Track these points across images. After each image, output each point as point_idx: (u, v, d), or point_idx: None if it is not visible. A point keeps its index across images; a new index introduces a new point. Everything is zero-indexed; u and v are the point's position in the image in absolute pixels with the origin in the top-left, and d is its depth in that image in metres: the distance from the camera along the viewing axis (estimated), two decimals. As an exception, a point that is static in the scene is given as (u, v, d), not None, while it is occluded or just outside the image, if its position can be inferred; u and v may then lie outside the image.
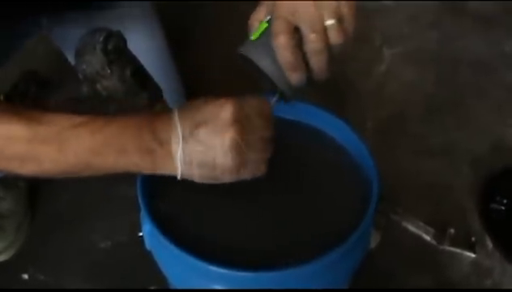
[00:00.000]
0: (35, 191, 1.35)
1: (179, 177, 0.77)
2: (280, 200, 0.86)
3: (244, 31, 0.83)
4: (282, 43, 0.76)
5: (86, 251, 1.27)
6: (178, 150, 0.74)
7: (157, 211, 0.82)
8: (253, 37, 0.80)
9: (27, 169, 0.76)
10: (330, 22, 0.75)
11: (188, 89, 1.27)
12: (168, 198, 0.85)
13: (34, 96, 1.24)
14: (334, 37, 0.76)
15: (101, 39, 0.77)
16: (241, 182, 0.78)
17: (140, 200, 0.82)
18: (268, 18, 0.80)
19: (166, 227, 0.79)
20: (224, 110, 0.74)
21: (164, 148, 0.74)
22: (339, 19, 0.75)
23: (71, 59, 1.15)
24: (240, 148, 0.74)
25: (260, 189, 0.86)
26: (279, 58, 0.77)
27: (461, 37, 1.74)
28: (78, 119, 0.75)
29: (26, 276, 1.22)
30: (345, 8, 0.75)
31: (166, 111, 0.77)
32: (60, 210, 1.34)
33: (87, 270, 1.24)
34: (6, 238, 1.25)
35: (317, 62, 0.77)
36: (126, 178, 1.22)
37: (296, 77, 0.78)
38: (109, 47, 0.78)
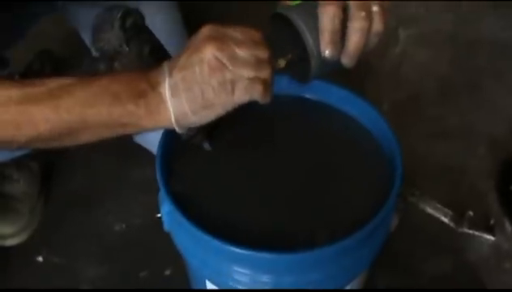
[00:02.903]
0: (48, 174, 1.35)
1: (173, 121, 0.73)
2: (301, 181, 0.85)
3: (259, 21, 0.81)
4: (330, 12, 0.74)
5: (100, 234, 1.27)
6: (165, 86, 0.71)
7: (176, 191, 0.81)
8: (293, 3, 0.78)
9: (24, 134, 0.74)
10: (375, 8, 0.75)
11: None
12: (187, 178, 0.84)
13: (49, 75, 1.23)
14: (377, 23, 0.75)
15: (119, 15, 0.75)
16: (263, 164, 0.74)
17: (159, 180, 0.81)
18: None
19: (185, 207, 0.78)
20: (202, 30, 0.72)
21: (155, 89, 0.72)
22: (383, 8, 0.75)
23: (86, 38, 1.14)
24: (220, 63, 0.70)
25: (281, 169, 0.86)
26: (322, 27, 0.75)
27: (477, 18, 1.71)
28: (70, 78, 0.73)
29: (40, 259, 1.22)
30: (386, 1, 0.76)
31: None
32: (74, 193, 1.34)
33: (100, 253, 1.24)
34: (20, 220, 1.25)
35: (356, 43, 0.75)
36: (140, 159, 1.23)
37: (331, 50, 0.75)
38: (127, 24, 0.76)
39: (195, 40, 0.72)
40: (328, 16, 0.74)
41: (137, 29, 0.77)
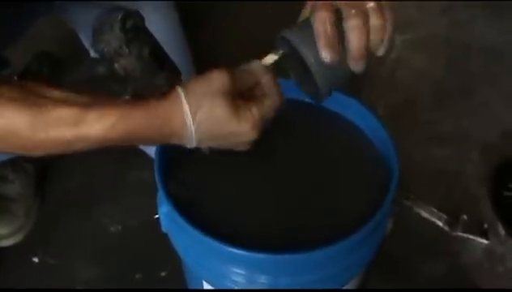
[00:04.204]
0: (44, 175, 1.35)
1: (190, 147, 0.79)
2: (298, 183, 0.86)
3: (257, 15, 0.81)
4: (321, 17, 0.73)
5: (96, 235, 1.27)
6: (192, 136, 0.75)
7: (174, 192, 0.81)
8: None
9: (43, 151, 0.74)
10: (371, 4, 0.73)
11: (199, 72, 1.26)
12: (185, 179, 0.85)
13: (47, 76, 1.24)
14: (374, 19, 0.73)
15: (119, 17, 0.75)
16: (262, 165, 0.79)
17: (158, 181, 0.81)
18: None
19: (183, 209, 0.78)
20: (245, 134, 0.76)
21: (180, 135, 0.76)
22: (379, 4, 0.74)
23: (84, 39, 1.14)
24: (250, 144, 0.79)
25: (279, 172, 0.86)
26: (316, 33, 0.74)
27: (471, 23, 1.72)
28: (87, 99, 0.74)
29: (36, 260, 1.22)
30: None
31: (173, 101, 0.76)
32: (70, 194, 1.34)
33: (96, 254, 1.24)
34: (16, 221, 1.25)
35: (356, 42, 0.73)
36: (137, 161, 1.23)
37: (329, 54, 0.73)
38: (128, 25, 0.76)
39: (239, 140, 0.77)
40: (320, 21, 0.73)
41: (137, 31, 0.77)
